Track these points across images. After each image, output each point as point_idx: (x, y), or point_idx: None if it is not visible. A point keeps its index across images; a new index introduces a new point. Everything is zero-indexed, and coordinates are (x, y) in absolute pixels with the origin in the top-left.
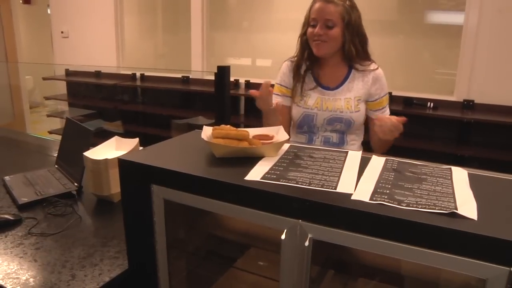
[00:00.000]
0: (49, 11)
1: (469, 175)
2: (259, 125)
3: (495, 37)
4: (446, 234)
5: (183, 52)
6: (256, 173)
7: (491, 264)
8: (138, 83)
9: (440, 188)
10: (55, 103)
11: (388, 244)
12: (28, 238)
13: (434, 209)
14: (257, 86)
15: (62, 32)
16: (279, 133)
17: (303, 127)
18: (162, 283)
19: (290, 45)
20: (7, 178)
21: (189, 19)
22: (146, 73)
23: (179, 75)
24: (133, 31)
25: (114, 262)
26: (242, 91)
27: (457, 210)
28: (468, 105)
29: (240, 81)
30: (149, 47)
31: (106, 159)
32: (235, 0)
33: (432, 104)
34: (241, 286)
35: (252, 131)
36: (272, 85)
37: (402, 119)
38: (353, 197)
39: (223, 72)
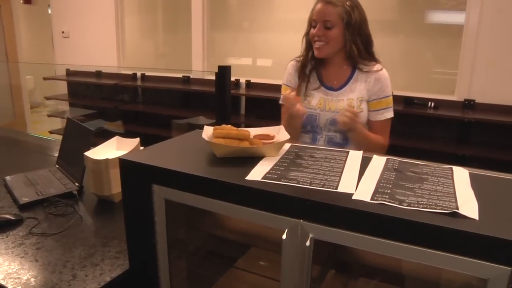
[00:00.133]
0: (49, 11)
1: (470, 174)
2: (260, 124)
3: (495, 36)
4: (447, 234)
5: (183, 52)
6: (257, 173)
7: (493, 264)
8: (139, 83)
9: (441, 187)
10: (56, 103)
11: (389, 244)
12: (29, 238)
13: (435, 208)
14: (257, 86)
15: (62, 32)
16: (280, 133)
17: (307, 126)
18: (163, 283)
19: (290, 45)
20: (8, 178)
21: (189, 19)
22: (147, 73)
23: (179, 75)
24: (133, 31)
25: (115, 262)
26: (242, 91)
27: (458, 209)
28: (469, 104)
29: (240, 81)
30: (149, 47)
31: (107, 159)
32: (235, 0)
33: (433, 104)
34: (241, 286)
35: (253, 131)
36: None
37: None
38: (354, 197)
39: (223, 72)
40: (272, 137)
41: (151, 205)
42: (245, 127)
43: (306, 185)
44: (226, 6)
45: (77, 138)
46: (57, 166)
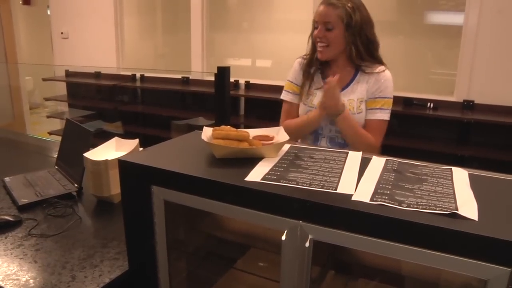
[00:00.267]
0: (49, 12)
1: (470, 175)
2: (259, 125)
3: (495, 37)
4: (447, 235)
5: (183, 53)
6: (256, 174)
7: (492, 265)
8: (138, 84)
9: (441, 188)
10: (55, 104)
11: (389, 245)
12: (28, 239)
13: (435, 209)
14: (257, 87)
15: (62, 33)
16: (279, 134)
17: (310, 132)
18: (162, 284)
19: (289, 46)
20: (7, 179)
21: (189, 20)
22: (146, 74)
23: (179, 76)
24: (132, 32)
25: (114, 263)
26: (242, 91)
27: (457, 210)
28: (468, 105)
29: (240, 81)
30: (149, 48)
31: (106, 160)
32: (235, 0)
33: (432, 105)
34: (241, 287)
35: (252, 132)
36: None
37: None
38: (353, 198)
39: (223, 73)
40: (272, 138)
41: (150, 206)
42: (244, 128)
43: (305, 186)
44: (225, 6)
45: (76, 139)
46: (56, 167)
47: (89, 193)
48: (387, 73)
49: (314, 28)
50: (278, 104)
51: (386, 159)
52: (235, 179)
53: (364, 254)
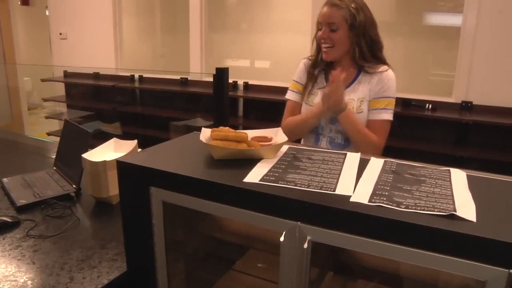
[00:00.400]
0: (47, 13)
1: (468, 176)
2: (258, 126)
3: (493, 38)
4: (445, 236)
5: (181, 54)
6: (254, 175)
7: (490, 266)
8: (137, 84)
9: (439, 190)
10: (54, 105)
11: (387, 246)
12: (26, 240)
13: (433, 211)
14: (255, 88)
15: (60, 34)
16: (277, 135)
17: (310, 129)
18: (161, 285)
19: (288, 47)
20: (5, 180)
21: (187, 20)
22: (145, 75)
23: (177, 77)
24: (131, 33)
25: (113, 264)
26: (240, 92)
27: (456, 212)
28: (466, 106)
29: (238, 82)
30: (147, 49)
31: (104, 161)
32: (233, 1)
33: (430, 106)
34: None
35: (251, 133)
36: None
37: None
38: (352, 199)
39: (221, 74)
40: (270, 139)
41: (148, 207)
42: (243, 129)
43: (304, 187)
44: (224, 7)
45: (75, 140)
46: (54, 168)
47: (87, 194)
48: (390, 73)
49: (318, 29)
50: (276, 105)
51: (385, 160)
52: (234, 180)
53: (363, 255)
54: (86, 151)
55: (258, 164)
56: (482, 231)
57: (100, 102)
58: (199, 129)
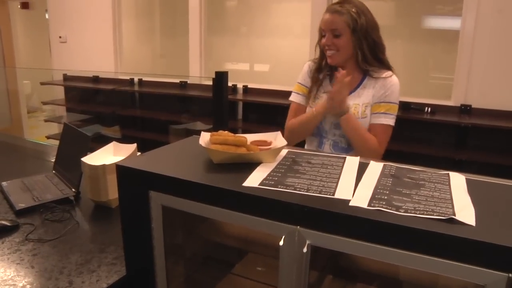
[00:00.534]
0: (47, 16)
1: (467, 180)
2: (257, 129)
3: (492, 42)
4: (445, 240)
5: (181, 57)
6: (254, 179)
7: (490, 270)
8: (136, 88)
9: (438, 194)
10: (53, 108)
11: (386, 250)
12: (25, 244)
13: (432, 215)
14: (255, 91)
15: (60, 37)
16: (277, 139)
17: (313, 129)
18: None
19: (288, 50)
20: (4, 183)
21: (187, 23)
22: (144, 78)
23: (177, 80)
24: (131, 36)
25: (112, 268)
26: (240, 96)
27: (455, 216)
28: (465, 109)
29: (238, 86)
30: (147, 52)
31: (104, 165)
32: (233, 4)
33: (429, 109)
34: None
35: (250, 137)
36: None
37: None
38: (351, 203)
39: (221, 77)
40: (269, 143)
41: (148, 211)
42: (242, 132)
43: (303, 191)
44: (223, 10)
45: (74, 144)
46: (54, 171)
47: (86, 197)
48: (394, 78)
49: (321, 36)
50: (276, 108)
51: (384, 164)
52: (233, 184)
53: (363, 259)
54: (86, 154)
55: (258, 168)
56: (481, 235)
57: (99, 105)
58: (198, 133)
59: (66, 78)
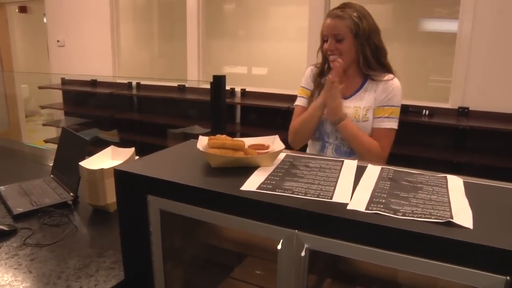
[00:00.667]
0: (45, 20)
1: (465, 183)
2: (255, 133)
3: (489, 44)
4: (442, 243)
5: (179, 60)
6: (252, 183)
7: (488, 273)
8: (134, 91)
9: (436, 196)
10: (51, 112)
11: (384, 254)
12: (23, 249)
13: (430, 218)
14: (252, 94)
15: (58, 41)
16: (274, 143)
17: (315, 132)
18: None
19: (285, 54)
20: (2, 188)
21: (185, 27)
22: (142, 82)
23: (175, 84)
24: (129, 40)
25: (110, 272)
26: (238, 99)
27: (452, 219)
28: (463, 112)
29: (236, 89)
30: (145, 56)
31: (102, 169)
32: (231, 8)
33: (427, 112)
34: None
35: (248, 141)
36: None
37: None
38: (349, 207)
39: (218, 81)
40: (267, 147)
41: (146, 216)
42: (240, 136)
43: (301, 195)
44: (221, 14)
45: (72, 148)
46: (52, 176)
47: (85, 202)
48: (396, 82)
49: (324, 41)
50: (274, 111)
51: (382, 167)
52: (231, 188)
53: (361, 262)
54: (84, 159)
55: (255, 172)
56: (479, 238)
57: (97, 109)
58: (196, 137)
59: (64, 82)
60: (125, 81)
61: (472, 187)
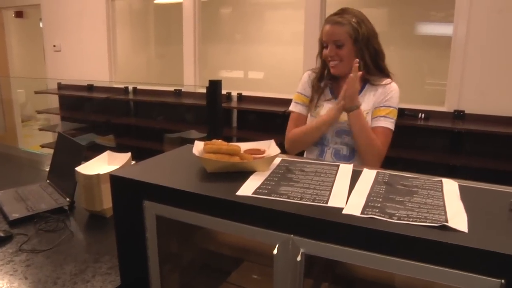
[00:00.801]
0: (41, 25)
1: (460, 187)
2: (252, 137)
3: (484, 47)
4: (437, 247)
5: (175, 65)
6: (247, 188)
7: (483, 277)
8: (131, 96)
9: (431, 200)
10: (47, 117)
11: (380, 258)
12: (19, 254)
13: (425, 222)
14: (249, 99)
15: (54, 46)
16: (270, 148)
17: (318, 138)
18: None
19: (282, 58)
20: None
21: (181, 32)
22: (139, 87)
23: (171, 88)
24: (125, 45)
25: (106, 278)
26: (234, 103)
27: (447, 222)
28: (458, 115)
29: (232, 93)
30: (141, 60)
31: (98, 174)
32: (227, 12)
33: (423, 115)
34: None
35: (244, 146)
36: None
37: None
38: (344, 211)
39: (214, 86)
40: (263, 152)
41: (142, 221)
42: (237, 140)
43: (296, 200)
44: (217, 18)
45: (69, 153)
46: (48, 181)
47: (81, 207)
48: (394, 85)
49: (323, 47)
50: (270, 115)
51: (377, 172)
52: (227, 193)
53: (357, 266)
54: (80, 164)
55: (251, 177)
56: (474, 241)
57: (94, 114)
58: (193, 141)
59: (60, 87)
60: (122, 86)
61: (467, 190)
